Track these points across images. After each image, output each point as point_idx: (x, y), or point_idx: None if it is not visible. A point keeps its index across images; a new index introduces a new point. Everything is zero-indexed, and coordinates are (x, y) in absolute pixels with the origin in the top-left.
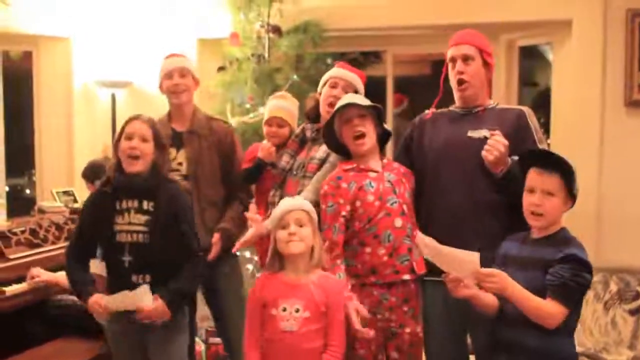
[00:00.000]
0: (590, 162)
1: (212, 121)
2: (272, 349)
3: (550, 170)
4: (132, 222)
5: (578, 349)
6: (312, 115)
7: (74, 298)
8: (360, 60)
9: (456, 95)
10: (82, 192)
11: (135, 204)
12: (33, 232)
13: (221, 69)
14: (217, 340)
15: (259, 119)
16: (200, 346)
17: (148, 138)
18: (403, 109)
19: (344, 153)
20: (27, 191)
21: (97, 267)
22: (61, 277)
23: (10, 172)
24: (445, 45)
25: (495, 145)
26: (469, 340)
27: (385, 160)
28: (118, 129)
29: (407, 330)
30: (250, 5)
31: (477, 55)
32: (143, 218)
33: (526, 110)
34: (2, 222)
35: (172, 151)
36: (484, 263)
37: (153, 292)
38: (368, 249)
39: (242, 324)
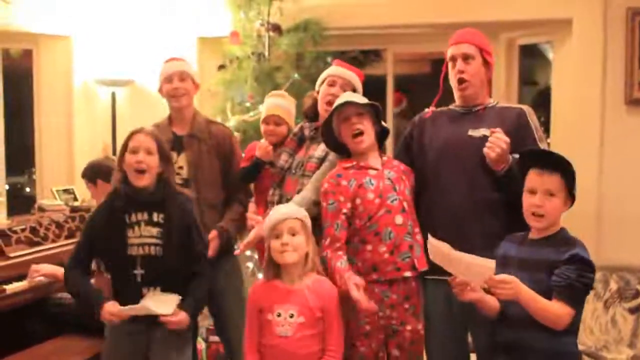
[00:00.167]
0: (591, 160)
1: (211, 124)
2: (269, 353)
3: (550, 170)
4: (144, 235)
5: (579, 347)
6: (311, 114)
7: None
8: (360, 58)
9: (456, 94)
10: (82, 191)
11: (145, 216)
12: (33, 230)
13: (221, 67)
14: (218, 338)
15: (259, 118)
16: (200, 345)
17: (153, 151)
18: (402, 108)
19: (343, 152)
20: (27, 189)
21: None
22: (60, 270)
23: (10, 170)
24: (446, 44)
25: (497, 142)
26: (469, 339)
27: (385, 158)
28: (119, 127)
29: (408, 327)
30: (251, 3)
31: (477, 54)
32: (154, 230)
33: (526, 109)
34: (2, 221)
35: (173, 155)
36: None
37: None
38: (369, 247)
39: (242, 324)
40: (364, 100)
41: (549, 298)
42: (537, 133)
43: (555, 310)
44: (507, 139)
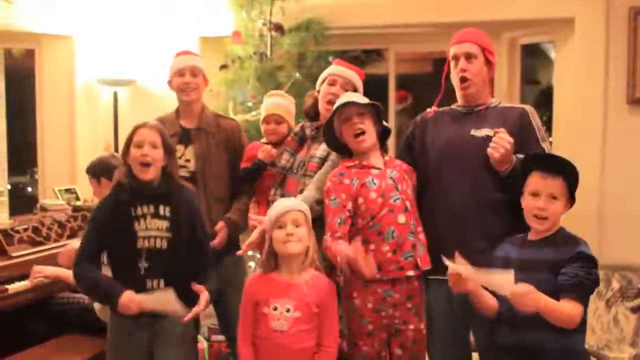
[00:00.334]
0: (593, 160)
1: (219, 118)
2: (264, 347)
3: (554, 174)
4: (150, 228)
5: None
6: (311, 113)
7: (76, 295)
8: (362, 58)
9: (458, 93)
10: (84, 190)
11: (152, 209)
12: (35, 230)
13: (223, 67)
14: (220, 337)
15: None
16: (202, 344)
17: (157, 144)
18: (406, 105)
19: (344, 152)
20: (29, 189)
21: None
22: (62, 271)
23: (13, 170)
24: (447, 44)
25: (500, 143)
26: (471, 339)
27: (386, 158)
28: (121, 127)
29: (411, 327)
30: (253, 3)
31: (480, 54)
32: (160, 223)
33: (529, 108)
34: (4, 220)
35: (180, 148)
36: (488, 262)
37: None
38: (372, 246)
39: None
40: (365, 100)
41: (554, 298)
42: (540, 133)
43: (569, 310)
44: (511, 140)
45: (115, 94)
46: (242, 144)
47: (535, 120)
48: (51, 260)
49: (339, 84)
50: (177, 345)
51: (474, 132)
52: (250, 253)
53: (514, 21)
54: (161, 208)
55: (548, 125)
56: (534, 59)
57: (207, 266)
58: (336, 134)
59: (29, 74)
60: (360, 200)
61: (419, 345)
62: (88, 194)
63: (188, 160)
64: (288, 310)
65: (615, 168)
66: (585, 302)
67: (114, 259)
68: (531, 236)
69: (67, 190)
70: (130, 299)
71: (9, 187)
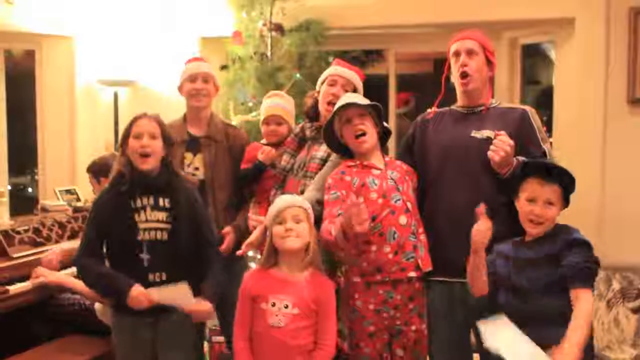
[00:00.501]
0: (593, 160)
1: (228, 127)
2: (261, 342)
3: (551, 180)
4: (150, 220)
5: None
6: (312, 114)
7: (77, 297)
8: (362, 58)
9: (459, 90)
10: (85, 191)
11: (152, 201)
12: (36, 231)
13: (224, 67)
14: (221, 338)
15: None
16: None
17: (157, 135)
18: (410, 108)
19: (345, 153)
20: (30, 190)
21: None
22: (66, 278)
23: (13, 170)
24: (448, 44)
25: (501, 146)
26: (472, 340)
27: (387, 158)
28: (122, 128)
29: (413, 328)
30: (253, 3)
31: (481, 52)
32: (160, 215)
33: (529, 109)
34: (5, 221)
35: (189, 156)
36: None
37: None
38: (373, 247)
39: None
40: (366, 101)
41: (559, 288)
42: (540, 134)
43: (587, 307)
44: (512, 142)
45: (115, 95)
46: None
47: (536, 121)
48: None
49: (339, 85)
50: (179, 347)
51: (474, 134)
52: (250, 254)
53: (514, 21)
54: (161, 199)
55: (548, 125)
56: (534, 59)
57: (214, 262)
58: (337, 135)
59: (29, 74)
60: (361, 199)
61: (421, 346)
62: (89, 194)
63: (197, 169)
64: (286, 307)
65: (616, 168)
66: (592, 286)
67: (114, 252)
68: (528, 237)
69: (68, 191)
70: (140, 291)
71: (9, 187)
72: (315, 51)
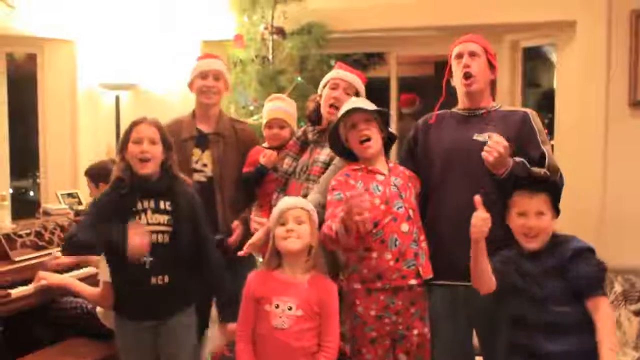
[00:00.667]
0: (594, 162)
1: (235, 123)
2: (264, 344)
3: (538, 191)
4: (151, 223)
5: None
6: (314, 118)
7: (79, 300)
8: (363, 61)
9: (461, 92)
10: (87, 194)
11: (152, 204)
12: (38, 234)
13: None
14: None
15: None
16: None
17: (156, 140)
18: (415, 109)
19: (349, 157)
20: (31, 193)
21: (104, 271)
22: (68, 280)
23: (15, 174)
24: (449, 47)
25: (495, 147)
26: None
27: (391, 164)
28: (122, 132)
29: (415, 332)
30: (254, 7)
31: (483, 54)
32: (161, 218)
33: (530, 112)
34: (7, 225)
35: (197, 152)
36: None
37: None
38: (374, 254)
39: None
40: (372, 106)
41: (570, 300)
42: (540, 136)
43: (609, 312)
44: (506, 143)
45: (117, 98)
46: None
47: (537, 123)
48: (54, 265)
49: (341, 88)
50: (182, 350)
51: (476, 137)
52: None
53: (515, 24)
54: (161, 202)
55: (550, 128)
56: (535, 62)
57: (213, 263)
58: (341, 139)
59: (30, 78)
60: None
61: (424, 350)
62: (90, 198)
63: (205, 165)
64: (290, 309)
65: (617, 171)
66: (605, 290)
67: (115, 255)
68: (528, 248)
69: (70, 195)
70: (138, 230)
71: (11, 191)
72: (316, 54)
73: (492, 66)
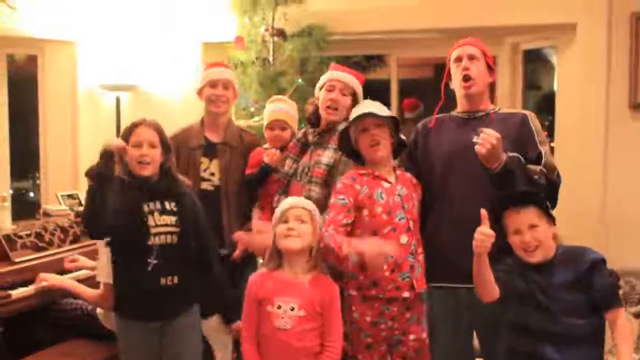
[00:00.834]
0: (595, 164)
1: (243, 133)
2: (267, 345)
3: (524, 205)
4: (160, 224)
5: None
6: (313, 120)
7: (79, 301)
8: (363, 63)
9: (460, 94)
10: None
11: (158, 205)
12: (39, 235)
13: None
14: None
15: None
16: None
17: (156, 144)
18: (419, 112)
19: (357, 158)
20: (31, 194)
21: (103, 272)
22: (68, 282)
23: (15, 175)
24: (449, 49)
25: (487, 139)
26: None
27: (398, 172)
28: (121, 133)
29: (411, 337)
30: (255, 8)
31: (482, 57)
32: (169, 219)
33: (529, 113)
34: (7, 226)
35: (205, 161)
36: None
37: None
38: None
39: None
40: (385, 112)
41: (587, 312)
42: (539, 137)
43: (627, 324)
44: (498, 135)
45: (117, 99)
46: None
47: (535, 124)
48: (54, 265)
49: (338, 89)
50: (185, 351)
51: (476, 139)
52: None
53: (516, 27)
54: (167, 204)
55: (550, 130)
56: (536, 64)
57: (214, 269)
58: (351, 140)
59: (31, 79)
60: (365, 212)
61: (422, 356)
62: None
63: (212, 174)
64: (292, 309)
65: (617, 173)
66: (621, 300)
67: (123, 257)
68: (532, 261)
69: (70, 196)
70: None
71: (11, 192)
72: (317, 56)
73: (490, 69)
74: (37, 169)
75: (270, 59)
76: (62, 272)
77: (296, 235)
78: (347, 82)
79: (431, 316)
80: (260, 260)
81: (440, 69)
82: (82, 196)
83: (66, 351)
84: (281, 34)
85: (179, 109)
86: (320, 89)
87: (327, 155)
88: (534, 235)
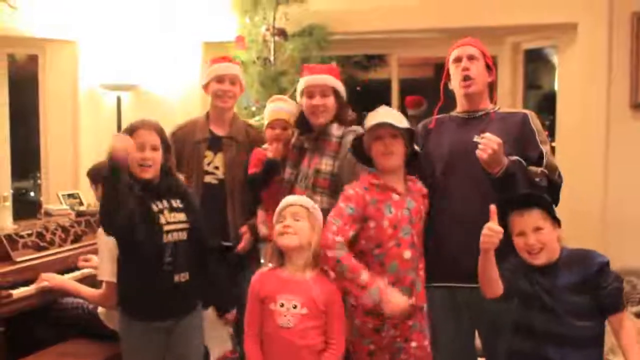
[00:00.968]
0: (596, 164)
1: (248, 128)
2: (270, 343)
3: (528, 208)
4: (171, 222)
5: None
6: (303, 126)
7: (80, 301)
8: (364, 63)
9: (460, 94)
10: (88, 195)
11: (166, 204)
12: (40, 235)
13: None
14: None
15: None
16: None
17: (157, 146)
18: (422, 110)
19: (367, 162)
20: (32, 194)
21: (105, 271)
22: (69, 282)
23: (16, 175)
24: (448, 50)
25: (488, 144)
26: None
27: (409, 183)
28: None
29: (413, 344)
30: (256, 8)
31: (481, 57)
32: (179, 216)
33: (529, 113)
34: (8, 225)
35: (209, 154)
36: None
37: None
38: (370, 273)
39: None
40: (401, 122)
41: (594, 314)
42: (539, 136)
43: (632, 327)
44: (499, 140)
45: (118, 99)
46: None
47: (535, 124)
48: (55, 265)
49: (318, 93)
50: (188, 349)
51: (476, 139)
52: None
53: (516, 26)
54: (173, 201)
55: (551, 130)
56: (536, 64)
57: (214, 268)
58: (364, 146)
59: (32, 79)
60: (372, 224)
61: None
62: (91, 198)
63: (217, 168)
64: (295, 307)
65: (618, 172)
66: (625, 303)
67: (138, 257)
68: (536, 263)
69: (71, 195)
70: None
71: (12, 192)
72: (318, 56)
73: (489, 69)
74: (38, 168)
75: (271, 58)
76: (63, 271)
77: (292, 232)
78: (324, 83)
79: (432, 315)
80: (262, 260)
81: (441, 68)
82: (83, 196)
83: (67, 351)
84: (282, 33)
85: (180, 108)
86: (301, 95)
87: (325, 163)
88: (538, 237)
